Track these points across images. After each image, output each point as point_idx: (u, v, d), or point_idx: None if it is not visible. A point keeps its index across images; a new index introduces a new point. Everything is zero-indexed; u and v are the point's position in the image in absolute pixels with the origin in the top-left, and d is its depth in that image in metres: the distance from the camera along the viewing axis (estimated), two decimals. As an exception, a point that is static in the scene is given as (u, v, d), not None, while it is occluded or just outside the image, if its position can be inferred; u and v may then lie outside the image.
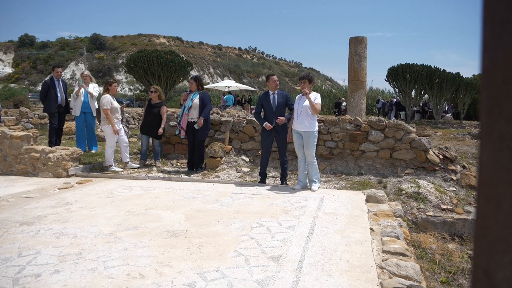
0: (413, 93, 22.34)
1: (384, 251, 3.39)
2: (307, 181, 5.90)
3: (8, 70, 79.74)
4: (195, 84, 6.64)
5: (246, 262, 3.11)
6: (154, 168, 7.14)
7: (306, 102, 5.64)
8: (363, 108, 10.34)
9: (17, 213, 4.48)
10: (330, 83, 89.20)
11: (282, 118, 5.93)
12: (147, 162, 7.50)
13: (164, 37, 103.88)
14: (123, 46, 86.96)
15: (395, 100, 25.53)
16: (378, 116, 13.88)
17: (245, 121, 7.77)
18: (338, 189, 6.01)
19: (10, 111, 23.27)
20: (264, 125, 5.92)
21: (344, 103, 23.23)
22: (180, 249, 3.37)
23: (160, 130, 7.15)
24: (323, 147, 7.26)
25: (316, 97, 5.64)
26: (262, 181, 6.30)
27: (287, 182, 6.43)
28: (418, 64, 21.58)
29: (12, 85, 52.51)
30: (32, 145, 6.99)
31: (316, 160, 5.80)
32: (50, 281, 2.76)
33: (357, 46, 10.36)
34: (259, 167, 6.52)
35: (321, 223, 4.18)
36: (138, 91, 44.11)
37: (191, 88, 6.69)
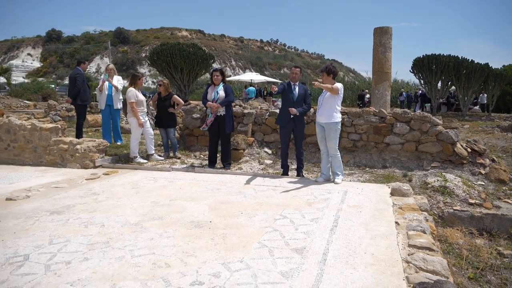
0: (439, 84, 21.75)
1: (410, 245, 3.34)
2: (330, 173, 5.86)
3: (37, 64, 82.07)
4: (221, 77, 6.54)
5: (270, 254, 3.12)
6: (178, 160, 7.22)
7: (328, 94, 5.58)
8: (387, 100, 10.16)
9: (48, 203, 4.62)
10: (353, 75, 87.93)
11: (294, 109, 5.87)
12: (170, 154, 7.60)
13: (186, 30, 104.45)
14: (146, 40, 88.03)
15: (420, 92, 24.93)
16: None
17: (268, 113, 7.75)
18: (362, 182, 5.94)
19: (39, 104, 24.02)
20: (290, 110, 5.84)
21: (367, 95, 22.87)
22: (205, 239, 3.41)
23: (178, 107, 7.65)
24: (347, 139, 7.18)
25: (336, 84, 5.55)
26: (285, 173, 6.30)
27: (308, 174, 6.41)
28: (445, 54, 20.97)
29: (40, 79, 54.00)
30: (60, 137, 7.19)
31: (339, 153, 5.74)
32: (80, 268, 2.85)
33: (381, 36, 10.16)
34: (281, 159, 6.51)
35: (345, 216, 4.14)
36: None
37: (215, 82, 6.56)
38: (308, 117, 7.29)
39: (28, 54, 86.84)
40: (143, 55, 76.10)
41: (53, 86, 39.45)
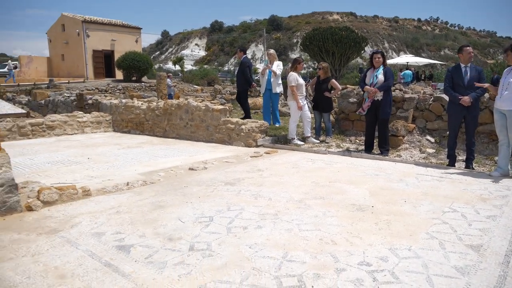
0: None
1: None
2: (509, 168, 5.13)
3: (202, 53, 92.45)
4: (382, 60, 6.29)
5: (441, 246, 2.95)
6: (333, 144, 7.30)
7: None
8: None
9: (221, 174, 5.25)
10: (536, 54, 73.67)
11: (466, 98, 5.26)
12: (320, 138, 7.70)
13: (337, 13, 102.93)
14: (298, 26, 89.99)
15: None
16: None
17: (432, 98, 7.16)
18: (551, 180, 5.04)
19: (205, 88, 27.09)
20: (461, 101, 5.32)
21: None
22: (368, 223, 3.42)
23: (335, 92, 7.72)
24: (531, 130, 6.14)
25: None
26: (451, 164, 5.77)
27: (478, 167, 5.73)
28: None
29: (205, 66, 60.57)
30: (228, 117, 8.01)
31: (523, 145, 4.98)
32: (255, 234, 3.18)
33: None
34: (446, 149, 5.98)
35: (531, 217, 3.60)
36: (311, 69, 45.25)
37: (375, 65, 6.34)
38: (481, 103, 6.47)
39: (196, 44, 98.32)
40: (295, 40, 78.17)
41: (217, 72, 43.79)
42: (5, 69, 25.87)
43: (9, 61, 27.51)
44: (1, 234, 3.23)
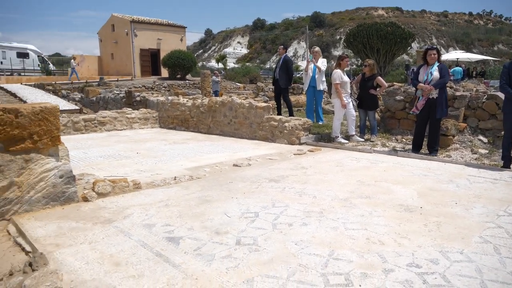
0: None
1: None
2: None
3: (244, 51, 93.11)
4: (437, 56, 6.03)
5: (496, 251, 2.82)
6: (379, 142, 7.14)
7: None
8: None
9: (265, 171, 5.30)
10: None
11: None
12: (365, 137, 7.54)
13: (383, 8, 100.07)
14: (341, 22, 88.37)
15: None
16: None
17: (485, 96, 6.81)
18: None
19: (247, 86, 27.30)
20: None
21: None
22: (417, 224, 3.33)
23: (380, 89, 7.55)
24: None
25: None
26: (506, 166, 5.46)
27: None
28: None
29: (247, 63, 60.93)
30: (271, 115, 8.05)
31: None
32: (300, 231, 3.19)
33: None
34: (501, 150, 5.68)
35: None
36: (354, 66, 44.32)
37: (430, 61, 6.07)
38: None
39: (238, 42, 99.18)
40: (338, 37, 76.95)
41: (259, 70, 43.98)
42: (71, 67, 27.60)
43: (72, 60, 29.23)
44: (61, 222, 3.46)
